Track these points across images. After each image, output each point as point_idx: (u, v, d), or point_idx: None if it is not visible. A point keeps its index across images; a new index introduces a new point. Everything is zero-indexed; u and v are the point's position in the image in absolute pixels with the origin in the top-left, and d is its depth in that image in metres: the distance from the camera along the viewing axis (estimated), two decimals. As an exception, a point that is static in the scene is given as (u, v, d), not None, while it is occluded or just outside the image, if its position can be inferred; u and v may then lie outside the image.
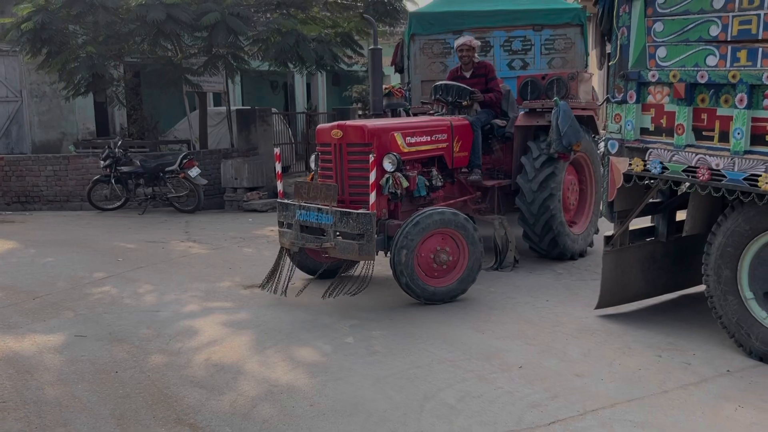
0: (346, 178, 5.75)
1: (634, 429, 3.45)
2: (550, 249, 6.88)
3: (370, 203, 5.37)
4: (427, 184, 6.18)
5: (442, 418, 3.61)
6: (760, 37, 3.92)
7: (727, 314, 4.39)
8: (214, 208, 11.31)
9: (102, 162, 10.73)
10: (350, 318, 5.29)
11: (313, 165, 6.28)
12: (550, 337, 4.78)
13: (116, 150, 10.72)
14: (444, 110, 7.20)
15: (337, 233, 5.47)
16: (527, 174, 6.76)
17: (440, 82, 7.34)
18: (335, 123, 6.01)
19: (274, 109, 14.69)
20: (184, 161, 10.53)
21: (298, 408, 3.78)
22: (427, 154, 6.34)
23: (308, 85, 21.11)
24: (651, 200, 5.10)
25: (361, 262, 5.61)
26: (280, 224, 5.87)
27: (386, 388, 4.00)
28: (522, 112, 7.21)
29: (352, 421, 3.61)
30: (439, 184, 6.41)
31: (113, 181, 10.74)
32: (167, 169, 10.58)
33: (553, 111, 6.66)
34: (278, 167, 6.17)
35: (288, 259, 6.00)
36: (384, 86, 9.00)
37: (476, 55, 7.29)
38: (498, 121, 7.32)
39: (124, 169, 10.66)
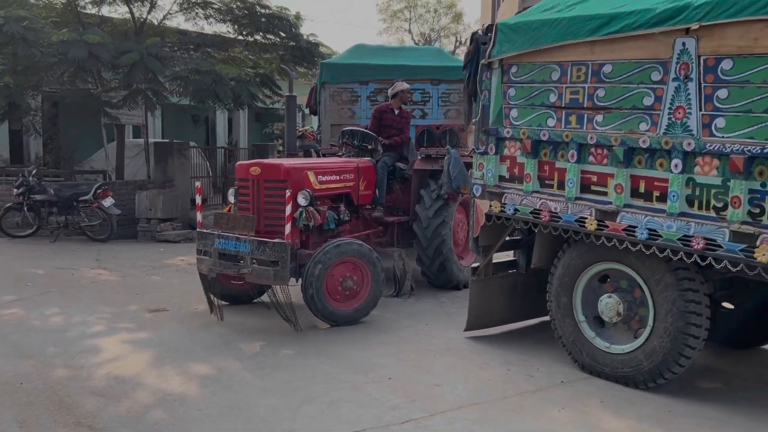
0: (262, 211, 6.30)
1: (472, 425, 4.14)
2: (439, 273, 7.62)
3: (286, 233, 5.94)
4: (336, 218, 6.81)
5: (314, 419, 4.20)
6: (584, 105, 4.82)
7: (565, 334, 5.20)
8: (128, 238, 11.56)
9: (15, 190, 10.85)
10: (249, 338, 5.82)
11: (231, 198, 6.79)
12: (422, 354, 5.47)
13: (30, 178, 10.87)
14: (351, 152, 7.91)
15: (254, 261, 5.99)
16: (425, 203, 7.54)
17: (348, 127, 8.08)
18: (254, 161, 6.62)
19: (192, 143, 15.08)
20: (98, 191, 10.81)
21: (188, 412, 4.29)
22: (336, 192, 7.01)
23: (230, 120, 21.55)
24: (511, 237, 5.92)
25: (278, 289, 6.08)
26: (199, 252, 6.27)
27: (269, 396, 4.56)
28: (419, 157, 8.02)
29: (235, 422, 4.15)
30: (347, 218, 7.06)
31: (26, 208, 10.87)
32: (81, 198, 10.81)
33: (445, 157, 7.47)
34: (198, 199, 6.63)
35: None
36: (298, 129, 9.65)
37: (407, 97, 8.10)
38: (400, 164, 8.10)
39: (38, 197, 10.82)
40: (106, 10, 13.89)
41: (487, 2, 21.32)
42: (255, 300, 6.79)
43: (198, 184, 6.87)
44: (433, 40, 34.53)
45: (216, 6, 13.89)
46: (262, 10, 13.97)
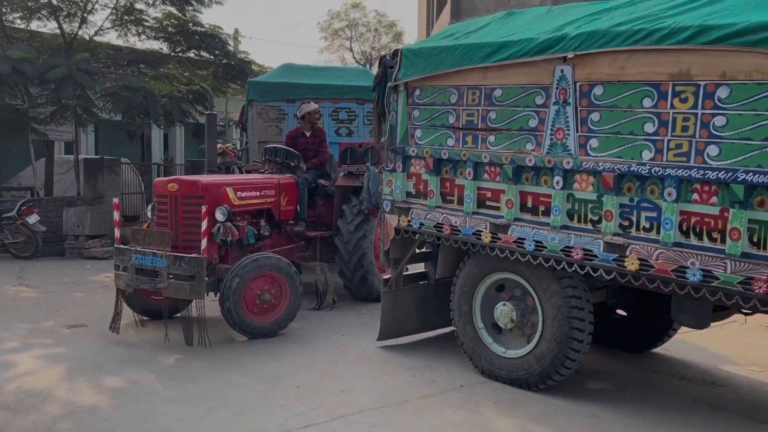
0: (180, 227, 6.44)
1: (370, 428, 4.39)
2: (360, 285, 7.85)
3: (202, 248, 6.09)
4: (256, 233, 6.99)
5: (218, 427, 4.37)
6: (479, 127, 5.17)
7: (466, 341, 5.51)
8: (55, 255, 11.42)
9: (-65, 207, 10.65)
10: (166, 352, 5.93)
11: (149, 214, 6.93)
12: (333, 363, 5.69)
13: (-48, 195, 10.70)
14: (274, 169, 8.11)
15: (171, 275, 6.10)
16: (346, 218, 7.78)
17: (271, 145, 8.30)
18: (172, 177, 6.79)
19: (125, 159, 14.99)
20: (23, 208, 10.69)
21: (95, 423, 4.39)
22: (256, 207, 7.19)
23: (166, 137, 21.43)
24: (422, 250, 6.22)
25: (194, 303, 6.21)
26: (117, 267, 6.34)
27: (177, 406, 4.70)
28: (341, 174, 8.28)
29: (140, 431, 4.28)
30: (267, 233, 7.24)
31: (-53, 225, 10.67)
32: (5, 215, 10.67)
33: (365, 174, 7.75)
34: (116, 215, 6.68)
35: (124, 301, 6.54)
36: (219, 146, 9.83)
37: (320, 118, 8.35)
38: (322, 181, 8.34)
39: (-41, 214, 10.64)
40: (35, 25, 13.80)
41: (423, 24, 21.90)
42: (177, 315, 6.88)
43: (116, 200, 6.94)
44: (374, 58, 35.05)
45: (149, 23, 13.93)
46: (196, 28, 14.08)
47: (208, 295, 6.27)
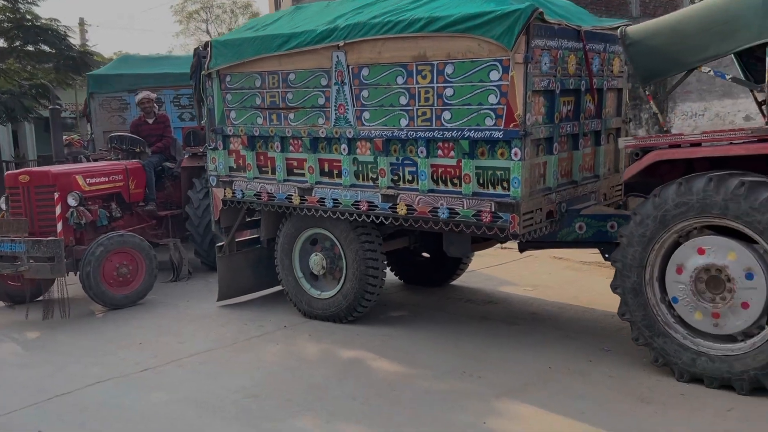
0: (35, 214, 7.00)
1: (198, 365, 5.23)
2: (209, 250, 8.42)
3: (58, 231, 6.68)
4: (108, 215, 7.61)
5: (66, 379, 5.05)
6: (280, 106, 6.06)
7: (290, 289, 6.45)
8: None
9: None
10: (27, 329, 6.43)
11: (3, 205, 7.38)
12: (175, 322, 6.46)
13: None
14: (120, 156, 8.64)
15: (30, 259, 6.62)
16: (193, 203, 8.45)
17: (115, 134, 8.82)
18: (23, 170, 7.36)
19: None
20: None
21: (-51, 391, 4.95)
22: (106, 192, 7.80)
23: (15, 133, 20.78)
24: (252, 218, 7.07)
25: (56, 284, 6.80)
26: None
27: (29, 370, 5.32)
28: (187, 156, 8.92)
29: (-7, 391, 4.91)
30: (118, 215, 7.86)
31: None
32: None
33: (208, 154, 8.43)
34: None
35: None
36: (65, 137, 10.17)
37: (155, 106, 8.89)
38: (168, 164, 8.96)
39: None
40: None
41: (272, 4, 22.43)
42: (37, 299, 7.33)
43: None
44: (233, 40, 35.02)
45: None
46: (35, 22, 14.00)
47: (68, 275, 6.84)
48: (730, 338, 4.21)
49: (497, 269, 7.94)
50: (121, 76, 10.32)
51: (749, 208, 3.93)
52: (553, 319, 6.02)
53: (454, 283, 7.40)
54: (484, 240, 5.99)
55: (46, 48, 14.46)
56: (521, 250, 6.00)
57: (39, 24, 13.55)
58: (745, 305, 4.05)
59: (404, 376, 4.81)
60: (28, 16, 13.91)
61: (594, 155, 5.81)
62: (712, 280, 4.19)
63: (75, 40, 15.70)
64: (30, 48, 14.22)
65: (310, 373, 4.95)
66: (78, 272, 6.96)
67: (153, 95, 9.01)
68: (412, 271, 7.37)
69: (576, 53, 5.27)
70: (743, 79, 4.99)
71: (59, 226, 6.76)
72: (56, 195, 6.84)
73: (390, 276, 7.38)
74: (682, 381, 4.36)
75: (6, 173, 7.37)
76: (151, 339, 5.96)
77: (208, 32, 35.47)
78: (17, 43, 14.08)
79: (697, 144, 4.23)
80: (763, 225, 3.90)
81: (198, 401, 4.52)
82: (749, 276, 4.02)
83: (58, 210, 6.80)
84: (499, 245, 7.19)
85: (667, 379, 4.44)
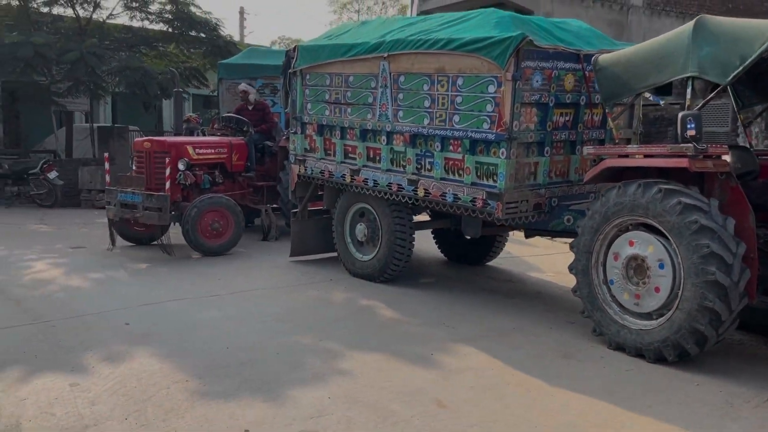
0: (152, 174, 8.95)
1: (253, 296, 6.80)
2: None
3: (166, 188, 8.57)
4: (211, 180, 9.47)
5: (160, 294, 6.81)
6: (342, 102, 7.46)
7: (341, 252, 7.86)
8: (72, 206, 14.04)
9: (-25, 165, 13.31)
10: (137, 261, 8.40)
11: (132, 165, 9.47)
12: (250, 269, 8.11)
13: (-12, 155, 13.34)
14: (229, 133, 10.52)
15: (145, 208, 8.59)
16: (283, 183, 10.13)
17: (225, 115, 10.73)
18: (147, 137, 9.38)
19: (133, 127, 17.55)
20: (44, 166, 13.29)
21: (79, 295, 6.88)
22: (212, 161, 9.67)
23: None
24: (321, 191, 8.57)
25: (168, 231, 8.73)
26: (108, 203, 8.91)
27: (130, 287, 7.17)
28: (284, 137, 10.63)
29: (102, 295, 6.77)
30: (220, 181, 9.73)
31: (-16, 180, 13.35)
32: (30, 172, 13.28)
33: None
34: (107, 165, 9.29)
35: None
36: (185, 115, 12.31)
37: (250, 96, 10.70)
38: (268, 143, 10.73)
39: (-6, 171, 13.30)
40: (57, 10, 16.31)
41: None
42: (154, 243, 9.35)
43: (106, 154, 9.56)
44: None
45: (151, 11, 16.38)
46: (191, 13, 16.47)
47: (175, 224, 8.75)
48: (648, 316, 5.07)
49: (537, 258, 8.88)
50: (246, 65, 12.23)
51: (662, 210, 4.79)
52: (550, 298, 6.97)
53: (490, 263, 8.48)
54: (493, 225, 7.06)
55: (202, 35, 16.91)
56: (527, 236, 7.01)
57: (195, 17, 15.95)
58: (657, 289, 4.91)
59: (396, 321, 6.08)
60: (186, 10, 16.37)
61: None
62: (639, 268, 5.06)
63: (233, 28, 18.15)
64: (192, 33, 16.66)
65: (326, 311, 6.36)
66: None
67: (250, 88, 10.81)
68: (454, 250, 8.54)
69: (574, 73, 6.21)
70: (734, 103, 5.77)
71: (167, 185, 8.62)
72: (167, 159, 8.73)
73: (437, 252, 8.65)
74: (610, 348, 5.28)
75: (134, 140, 9.43)
76: (227, 277, 7.64)
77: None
78: (177, 32, 16.61)
79: (625, 156, 5.12)
80: (671, 224, 4.75)
81: (239, 318, 6.06)
82: (661, 266, 4.87)
83: (167, 171, 8.67)
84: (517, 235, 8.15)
85: (596, 346, 5.35)
